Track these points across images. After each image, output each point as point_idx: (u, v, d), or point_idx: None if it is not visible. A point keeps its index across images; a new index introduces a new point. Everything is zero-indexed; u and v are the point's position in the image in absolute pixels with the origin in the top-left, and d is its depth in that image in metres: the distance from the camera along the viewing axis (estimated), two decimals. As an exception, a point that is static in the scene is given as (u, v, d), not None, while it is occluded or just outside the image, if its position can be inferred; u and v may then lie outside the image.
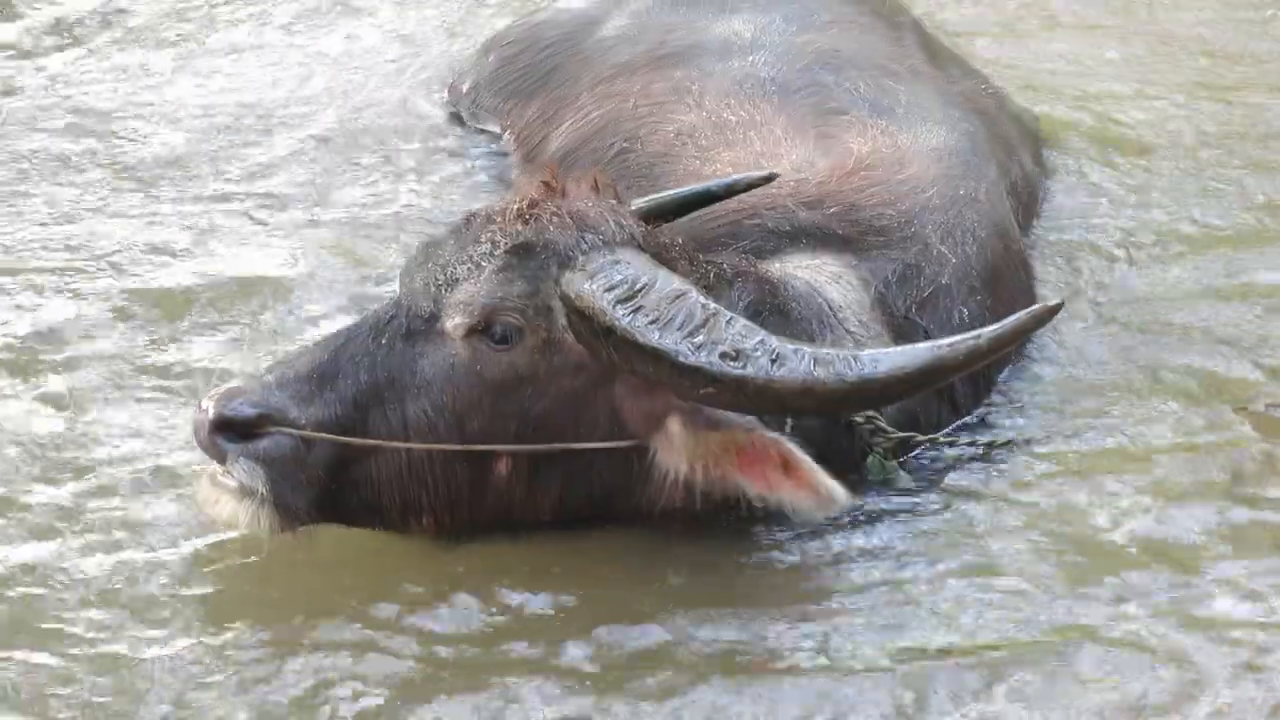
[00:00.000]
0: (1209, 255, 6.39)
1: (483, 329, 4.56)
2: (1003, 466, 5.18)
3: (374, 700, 4.54)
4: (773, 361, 4.40)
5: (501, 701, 4.54)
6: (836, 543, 4.94)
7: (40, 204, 7.09)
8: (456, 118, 7.02)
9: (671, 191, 5.16)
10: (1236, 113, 7.88)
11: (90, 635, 4.76)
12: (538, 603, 4.80)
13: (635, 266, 4.55)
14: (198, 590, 4.84)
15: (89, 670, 4.61)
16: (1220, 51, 8.60)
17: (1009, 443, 5.19)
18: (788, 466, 4.54)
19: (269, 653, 4.65)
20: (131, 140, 7.57)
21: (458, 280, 4.62)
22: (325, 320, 5.88)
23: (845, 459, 4.81)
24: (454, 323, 4.58)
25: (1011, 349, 4.99)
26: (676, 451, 4.60)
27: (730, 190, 5.14)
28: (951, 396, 4.98)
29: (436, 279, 4.66)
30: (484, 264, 4.61)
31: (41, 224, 6.93)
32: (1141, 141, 7.13)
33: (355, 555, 4.99)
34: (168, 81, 8.20)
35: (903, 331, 4.98)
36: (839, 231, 5.06)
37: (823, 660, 4.62)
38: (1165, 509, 5.10)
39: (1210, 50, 8.57)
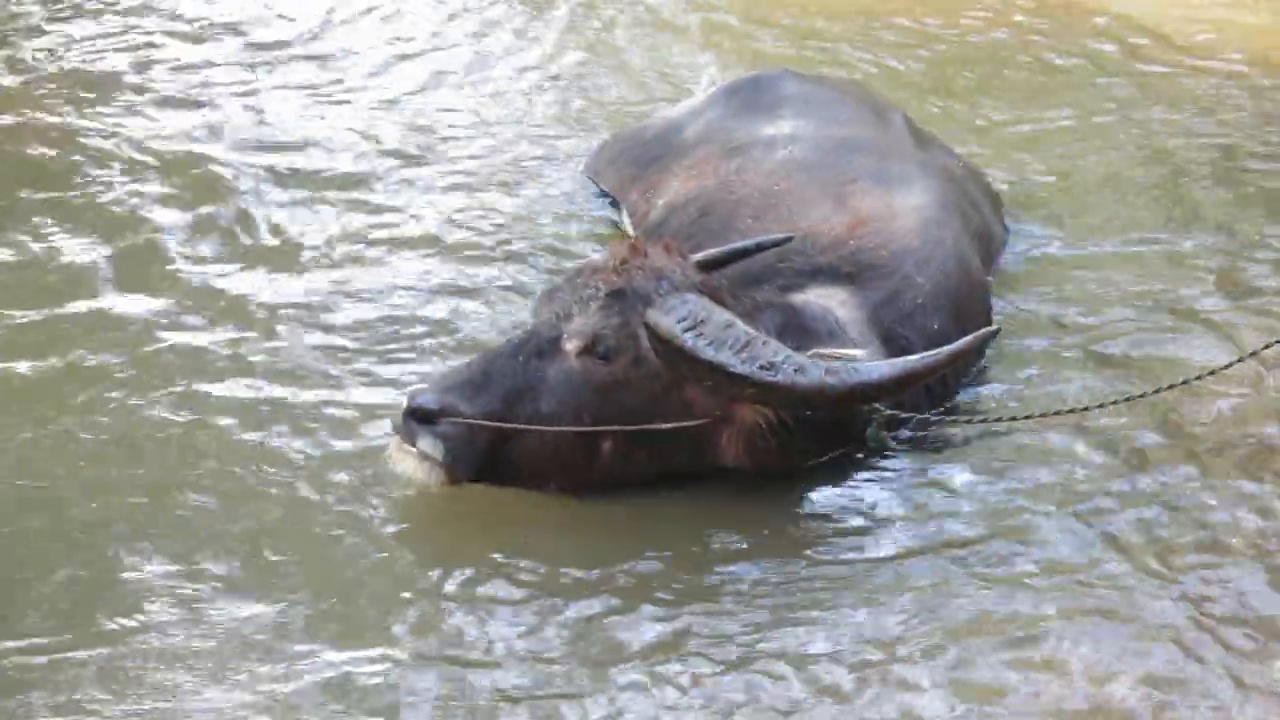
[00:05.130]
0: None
1: (590, 349, 5.38)
2: (964, 435, 5.76)
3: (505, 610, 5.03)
4: (796, 371, 5.22)
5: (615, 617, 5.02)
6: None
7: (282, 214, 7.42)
8: (587, 190, 7.52)
9: (720, 249, 5.94)
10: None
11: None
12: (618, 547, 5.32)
13: (696, 304, 5.35)
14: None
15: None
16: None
17: (969, 419, 5.72)
18: None
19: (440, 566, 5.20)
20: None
21: (573, 315, 5.46)
22: (483, 336, 6.34)
23: (853, 429, 5.60)
24: (571, 345, 5.40)
25: (966, 359, 5.72)
26: (740, 427, 5.41)
27: (759, 248, 5.97)
28: (928, 389, 5.65)
29: (559, 313, 5.49)
30: (591, 303, 5.46)
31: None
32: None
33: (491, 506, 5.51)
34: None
35: (890, 340, 5.73)
36: (845, 269, 5.90)
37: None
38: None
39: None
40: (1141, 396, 5.74)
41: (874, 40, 9.27)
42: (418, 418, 5.34)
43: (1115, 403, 5.74)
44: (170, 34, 9.48)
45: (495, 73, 9.02)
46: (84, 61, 9.15)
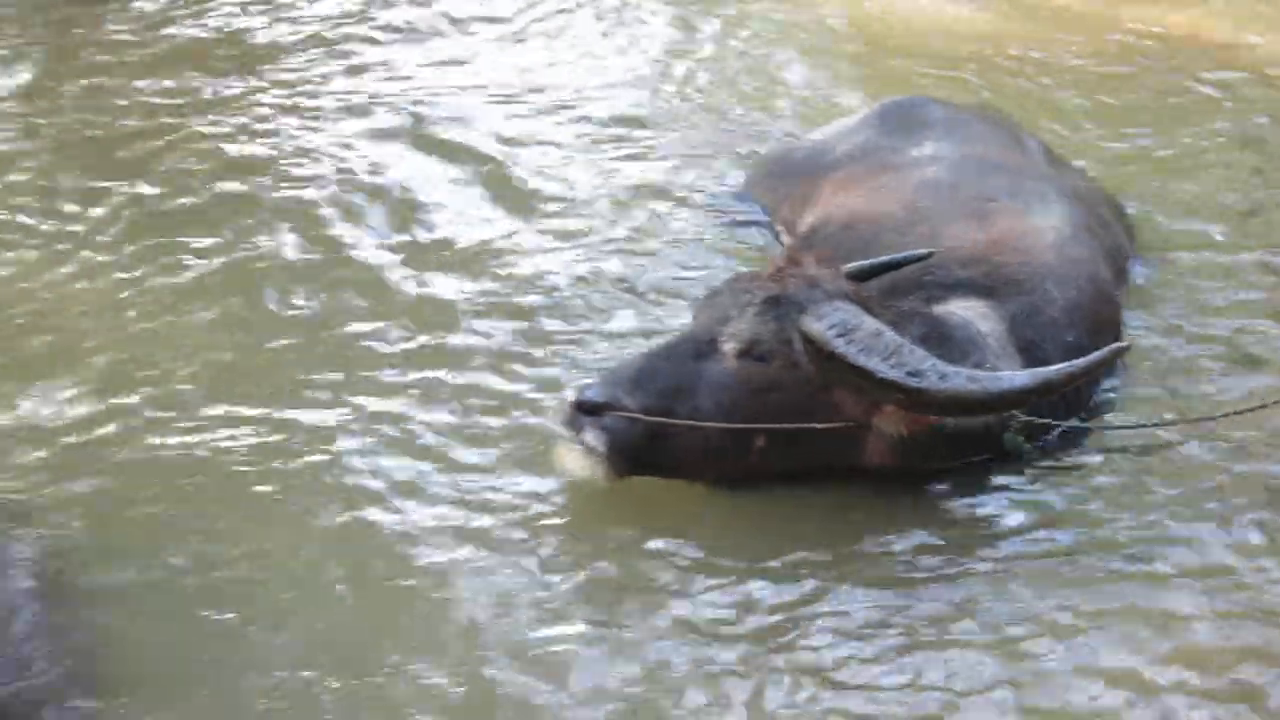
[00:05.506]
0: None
1: (747, 352, 5.57)
2: (1096, 440, 5.94)
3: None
4: (940, 378, 5.39)
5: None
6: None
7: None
8: (742, 204, 7.70)
9: (868, 261, 6.10)
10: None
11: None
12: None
13: (847, 312, 5.53)
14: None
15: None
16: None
17: (1103, 426, 5.96)
18: None
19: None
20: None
21: (731, 319, 5.64)
22: (645, 336, 6.53)
23: (991, 435, 5.74)
24: (728, 347, 5.59)
25: (1099, 372, 5.88)
26: (891, 424, 5.56)
27: (904, 262, 6.13)
28: (1062, 397, 5.75)
29: (718, 317, 5.68)
30: (749, 309, 5.63)
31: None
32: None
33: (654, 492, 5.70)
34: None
35: (1027, 351, 5.87)
36: (985, 283, 6.05)
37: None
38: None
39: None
40: (1277, 404, 5.83)
41: (991, 65, 9.33)
42: (584, 410, 5.55)
43: (1253, 409, 5.85)
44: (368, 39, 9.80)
45: (650, 89, 9.18)
46: (283, 59, 9.53)
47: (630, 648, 5.07)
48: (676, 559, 5.46)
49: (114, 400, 6.21)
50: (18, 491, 5.72)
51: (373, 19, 10.08)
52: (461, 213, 7.72)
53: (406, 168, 8.17)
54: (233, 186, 7.94)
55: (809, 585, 5.35)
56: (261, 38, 9.89)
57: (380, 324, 6.73)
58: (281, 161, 8.23)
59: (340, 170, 8.10)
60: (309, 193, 7.84)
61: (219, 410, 6.14)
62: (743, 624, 5.17)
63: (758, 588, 5.32)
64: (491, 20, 10.10)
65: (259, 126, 8.64)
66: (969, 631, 5.11)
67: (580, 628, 5.15)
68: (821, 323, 5.51)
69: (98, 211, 7.61)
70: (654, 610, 5.23)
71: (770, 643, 5.09)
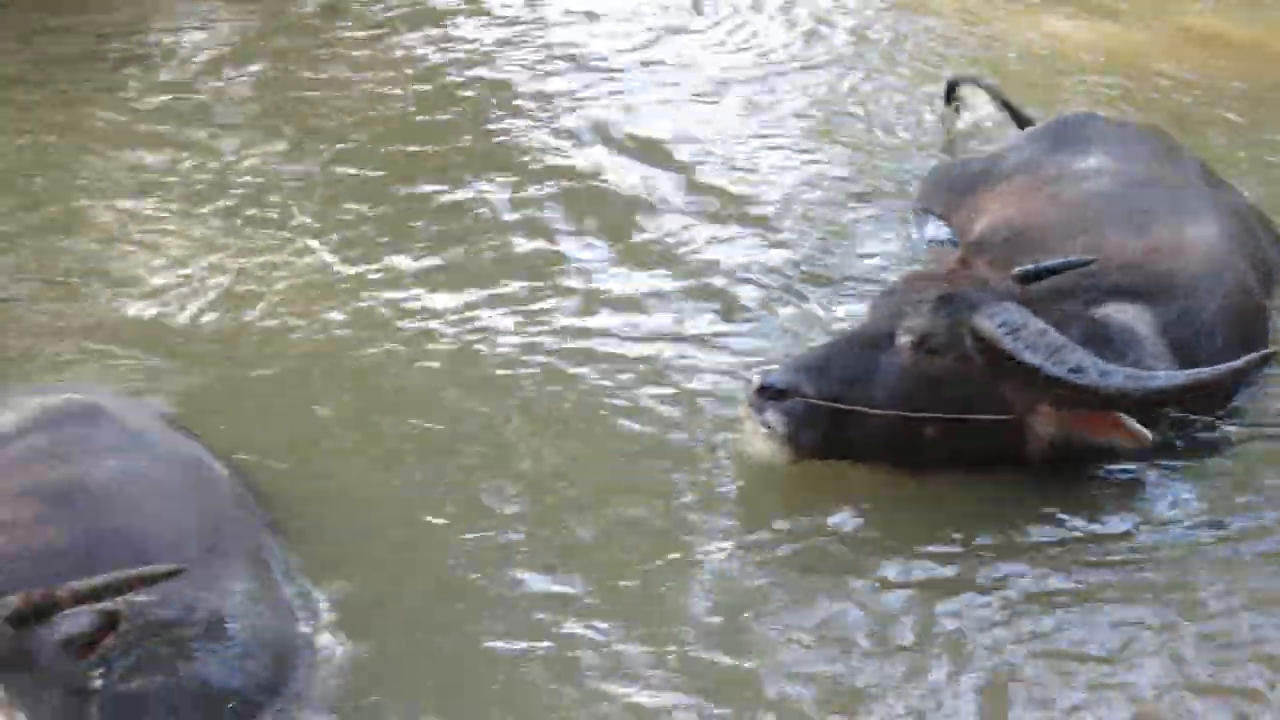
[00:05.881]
0: None
1: (921, 345, 5.83)
2: (1240, 437, 6.16)
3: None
4: (1100, 375, 5.63)
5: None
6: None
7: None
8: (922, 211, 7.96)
9: (1033, 265, 6.27)
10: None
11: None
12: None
13: (1015, 312, 5.77)
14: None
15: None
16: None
17: (1248, 424, 6.18)
18: (1116, 423, 5.73)
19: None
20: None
21: (907, 314, 5.89)
22: (819, 328, 6.84)
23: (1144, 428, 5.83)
24: (903, 340, 5.84)
25: (1246, 375, 6.10)
26: (1045, 422, 5.81)
27: (1067, 267, 6.34)
28: (1210, 397, 6.01)
29: (894, 312, 5.95)
30: (924, 305, 5.88)
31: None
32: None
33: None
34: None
35: (1179, 353, 6.11)
36: (1141, 289, 6.29)
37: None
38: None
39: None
40: None
41: (1143, 83, 9.46)
42: (767, 395, 5.83)
43: None
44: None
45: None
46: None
47: (809, 624, 5.34)
48: (854, 538, 5.75)
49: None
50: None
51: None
52: (658, 206, 8.07)
53: (608, 163, 8.56)
54: (463, 179, 8.36)
55: (982, 564, 5.62)
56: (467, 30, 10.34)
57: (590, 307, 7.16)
58: (497, 155, 8.65)
59: (548, 166, 8.51)
60: (527, 190, 8.23)
61: (452, 394, 6.56)
62: (926, 602, 5.43)
63: (931, 567, 5.61)
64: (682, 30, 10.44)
65: (477, 126, 9.03)
66: (1132, 600, 5.42)
67: (763, 603, 5.43)
68: (991, 321, 5.76)
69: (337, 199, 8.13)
70: (838, 587, 5.52)
71: (948, 619, 5.37)
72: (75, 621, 4.60)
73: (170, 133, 8.93)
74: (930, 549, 5.70)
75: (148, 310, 7.22)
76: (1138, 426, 5.73)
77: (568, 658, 5.18)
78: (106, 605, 4.64)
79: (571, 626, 5.32)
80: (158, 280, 7.45)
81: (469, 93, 9.46)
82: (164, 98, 9.36)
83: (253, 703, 5.00)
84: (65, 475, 5.39)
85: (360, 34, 10.29)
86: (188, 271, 7.51)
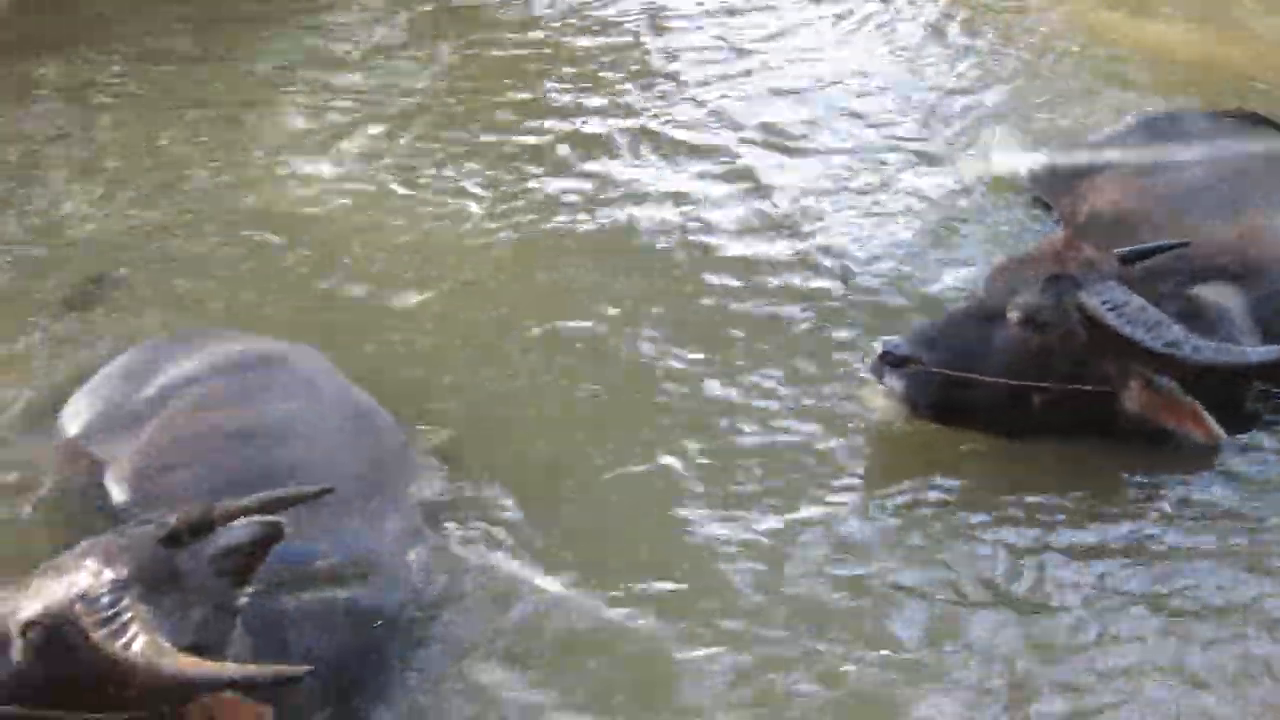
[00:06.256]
0: None
1: (1030, 320, 6.09)
2: None
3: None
4: (1193, 350, 5.87)
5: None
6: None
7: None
8: (1034, 200, 8.21)
9: (1135, 247, 6.48)
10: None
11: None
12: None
13: (1117, 291, 6.04)
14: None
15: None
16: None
17: None
18: (1195, 416, 5.98)
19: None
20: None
21: (1018, 291, 6.17)
22: (937, 301, 7.13)
23: (1232, 401, 6.18)
24: (1014, 315, 6.11)
25: None
26: (1134, 399, 6.05)
27: (1166, 248, 6.54)
28: None
29: (1006, 289, 6.22)
30: (1033, 283, 6.14)
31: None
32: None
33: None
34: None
35: (1267, 330, 6.29)
36: (1234, 270, 6.50)
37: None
38: None
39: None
40: None
41: (1222, 83, 9.49)
42: (889, 362, 6.20)
43: None
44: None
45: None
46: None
47: (918, 574, 5.67)
48: (963, 496, 6.04)
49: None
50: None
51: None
52: (781, 188, 8.36)
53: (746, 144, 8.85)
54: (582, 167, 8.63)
55: (1082, 523, 5.91)
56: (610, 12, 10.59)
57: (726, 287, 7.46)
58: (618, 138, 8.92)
59: (691, 146, 8.82)
60: (675, 166, 8.60)
61: (623, 354, 6.92)
62: (1031, 555, 5.75)
63: (1034, 524, 5.91)
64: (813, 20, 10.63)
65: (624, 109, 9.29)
66: (1216, 555, 5.70)
67: (888, 549, 5.78)
68: (1096, 299, 6.03)
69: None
70: (950, 537, 5.85)
71: (1053, 571, 5.68)
72: (233, 535, 4.80)
73: (349, 106, 9.33)
74: (1032, 502, 6.00)
75: (326, 269, 7.67)
76: (1213, 423, 5.94)
77: (724, 584, 5.61)
78: (268, 519, 4.84)
79: (723, 564, 5.73)
80: (340, 242, 7.90)
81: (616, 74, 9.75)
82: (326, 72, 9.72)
83: (398, 626, 5.30)
84: (245, 415, 5.86)
85: (514, 18, 10.61)
86: (370, 233, 7.95)
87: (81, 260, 7.67)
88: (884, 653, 5.31)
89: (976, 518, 5.95)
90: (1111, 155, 7.97)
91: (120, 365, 6.41)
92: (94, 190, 8.37)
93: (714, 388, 6.71)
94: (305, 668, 4.55)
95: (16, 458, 6.06)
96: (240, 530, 4.83)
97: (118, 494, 5.67)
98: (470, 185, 8.41)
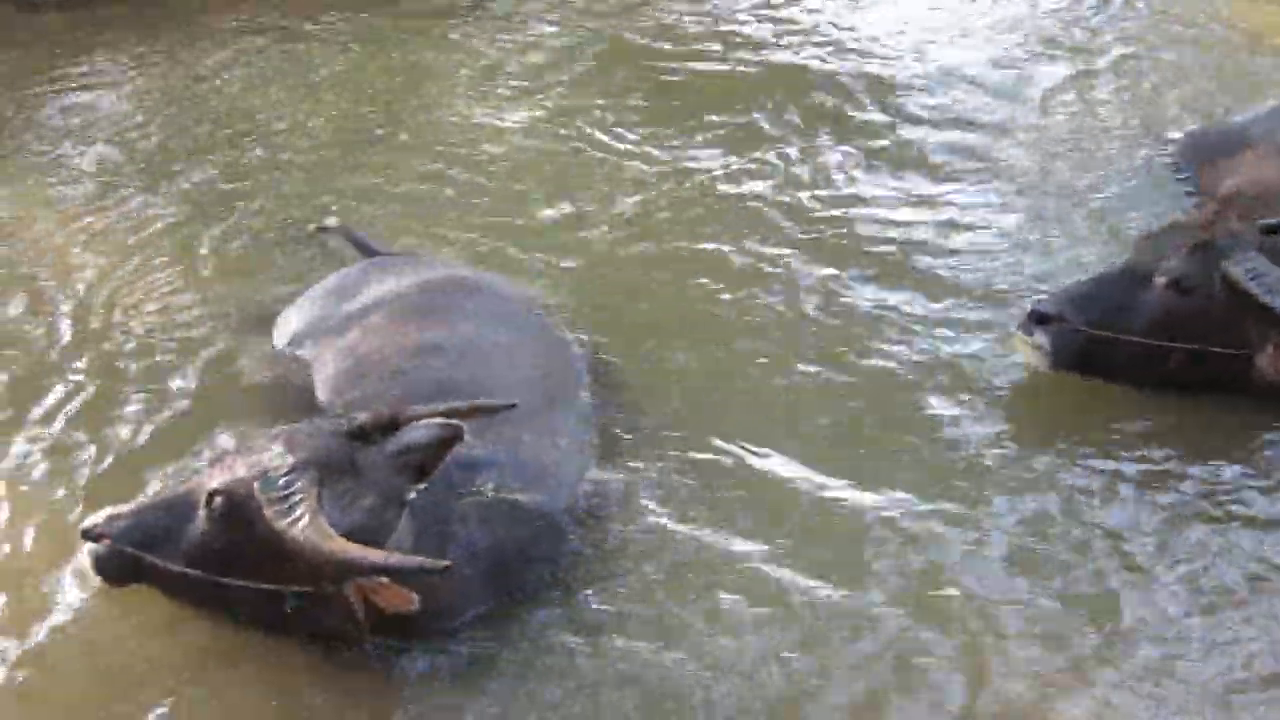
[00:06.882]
0: None
1: (1175, 285, 6.30)
2: None
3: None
4: None
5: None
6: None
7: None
8: (1173, 169, 8.38)
9: (1277, 220, 6.51)
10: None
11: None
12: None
13: (1259, 260, 6.22)
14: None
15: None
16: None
17: None
18: None
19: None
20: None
21: (1165, 257, 6.32)
22: (1079, 265, 7.30)
23: None
24: (1160, 280, 6.30)
25: None
26: (1270, 363, 6.22)
27: None
28: None
29: (1154, 254, 6.39)
30: (1180, 249, 6.31)
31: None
32: None
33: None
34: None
35: None
36: None
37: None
38: None
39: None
40: None
41: None
42: (1036, 319, 6.43)
43: None
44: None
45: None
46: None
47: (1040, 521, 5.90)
48: (1108, 450, 6.25)
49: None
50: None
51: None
52: (916, 161, 8.63)
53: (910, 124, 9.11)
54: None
55: (1204, 480, 6.08)
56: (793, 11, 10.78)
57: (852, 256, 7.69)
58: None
59: (859, 122, 9.07)
60: (848, 147, 8.82)
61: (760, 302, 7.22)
62: (1158, 513, 5.94)
63: (1160, 473, 6.13)
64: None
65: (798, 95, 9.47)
66: None
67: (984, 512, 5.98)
68: (1239, 267, 6.22)
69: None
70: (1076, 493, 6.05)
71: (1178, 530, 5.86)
72: (415, 435, 5.04)
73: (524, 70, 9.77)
74: (1158, 454, 6.22)
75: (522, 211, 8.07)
76: None
77: (848, 518, 5.90)
78: (450, 421, 5.07)
79: (854, 493, 6.03)
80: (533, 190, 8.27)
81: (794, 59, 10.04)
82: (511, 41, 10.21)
83: (559, 527, 5.55)
84: (437, 331, 6.24)
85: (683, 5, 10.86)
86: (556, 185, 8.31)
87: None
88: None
89: (1112, 472, 6.17)
90: (1256, 132, 8.12)
91: (330, 283, 6.94)
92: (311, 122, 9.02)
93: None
94: (445, 563, 4.80)
95: (235, 353, 6.70)
96: (422, 431, 5.07)
97: (320, 393, 6.14)
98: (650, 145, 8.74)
